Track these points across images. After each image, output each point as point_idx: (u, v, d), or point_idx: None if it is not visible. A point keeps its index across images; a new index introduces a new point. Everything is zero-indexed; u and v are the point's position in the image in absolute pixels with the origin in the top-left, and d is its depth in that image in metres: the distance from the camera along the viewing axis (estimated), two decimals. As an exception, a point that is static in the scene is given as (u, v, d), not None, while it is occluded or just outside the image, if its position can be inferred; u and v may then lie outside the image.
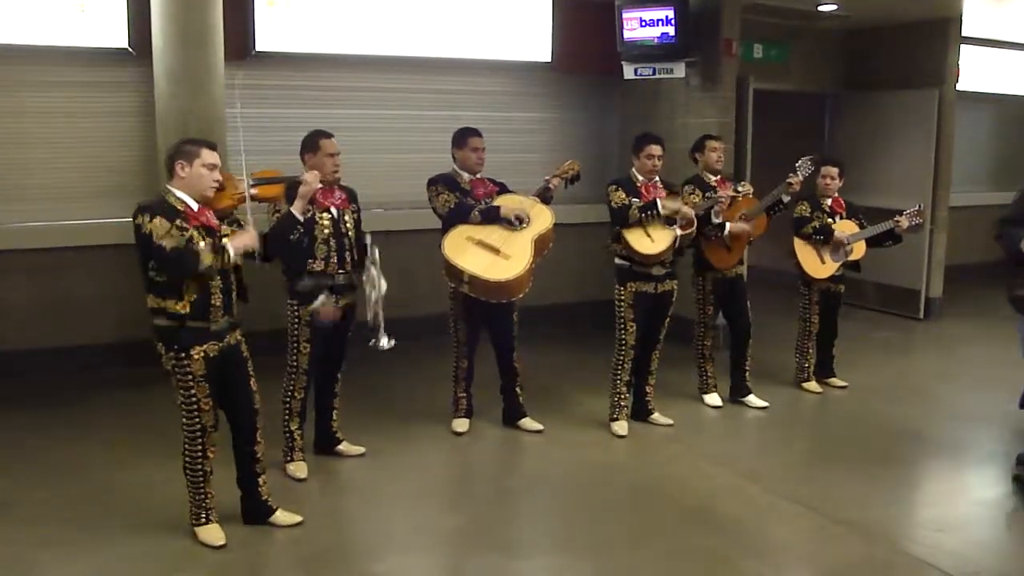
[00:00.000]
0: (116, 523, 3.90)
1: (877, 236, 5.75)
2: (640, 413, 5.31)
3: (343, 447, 4.74)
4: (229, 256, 3.53)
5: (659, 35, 6.72)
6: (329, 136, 4.39)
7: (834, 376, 6.12)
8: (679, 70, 6.79)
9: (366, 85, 6.87)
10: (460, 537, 3.97)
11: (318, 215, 4.31)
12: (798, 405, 5.84)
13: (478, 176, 5.01)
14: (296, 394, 4.47)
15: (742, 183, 5.48)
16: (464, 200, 4.87)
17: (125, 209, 5.49)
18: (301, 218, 4.08)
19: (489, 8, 7.10)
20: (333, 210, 4.39)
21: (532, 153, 7.35)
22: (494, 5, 7.12)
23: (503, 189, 5.08)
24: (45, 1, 5.76)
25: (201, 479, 3.70)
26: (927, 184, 8.02)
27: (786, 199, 5.48)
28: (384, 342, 4.16)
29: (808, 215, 5.75)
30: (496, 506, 4.33)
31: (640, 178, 5.02)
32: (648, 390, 5.32)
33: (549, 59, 7.41)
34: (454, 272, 4.68)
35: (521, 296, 4.78)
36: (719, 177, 5.48)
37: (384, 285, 4.17)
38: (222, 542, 3.70)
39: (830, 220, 5.76)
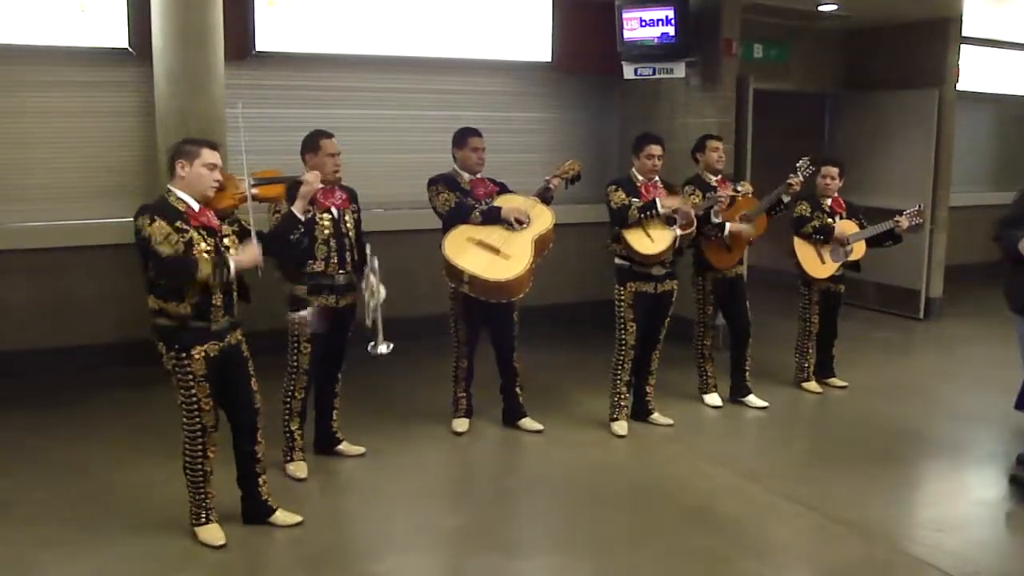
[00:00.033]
0: (116, 523, 3.90)
1: (877, 236, 5.76)
2: (640, 413, 5.32)
3: (343, 447, 4.74)
4: (229, 270, 3.54)
5: (659, 35, 6.72)
6: (330, 136, 4.40)
7: (834, 376, 6.12)
8: (679, 70, 6.79)
9: (366, 85, 6.87)
10: (460, 537, 3.97)
11: (319, 215, 4.32)
12: (798, 405, 5.84)
13: (478, 176, 5.02)
14: (296, 394, 4.47)
15: (741, 183, 5.49)
16: (464, 200, 4.87)
17: (125, 209, 5.53)
18: (302, 218, 4.07)
19: (489, 8, 7.10)
20: (334, 210, 4.40)
21: (532, 153, 7.34)
22: (494, 5, 7.12)
23: (503, 189, 5.08)
24: (45, 1, 5.76)
25: (201, 479, 3.70)
26: (927, 184, 8.02)
27: (786, 199, 5.49)
28: (382, 348, 4.18)
29: (808, 215, 5.75)
30: (496, 506, 4.33)
31: (640, 178, 5.03)
32: (648, 390, 5.32)
33: (549, 59, 7.41)
34: (454, 272, 4.69)
35: (521, 296, 4.78)
36: (720, 177, 5.48)
37: (383, 293, 4.23)
38: (222, 542, 3.70)
39: (830, 220, 5.77)
